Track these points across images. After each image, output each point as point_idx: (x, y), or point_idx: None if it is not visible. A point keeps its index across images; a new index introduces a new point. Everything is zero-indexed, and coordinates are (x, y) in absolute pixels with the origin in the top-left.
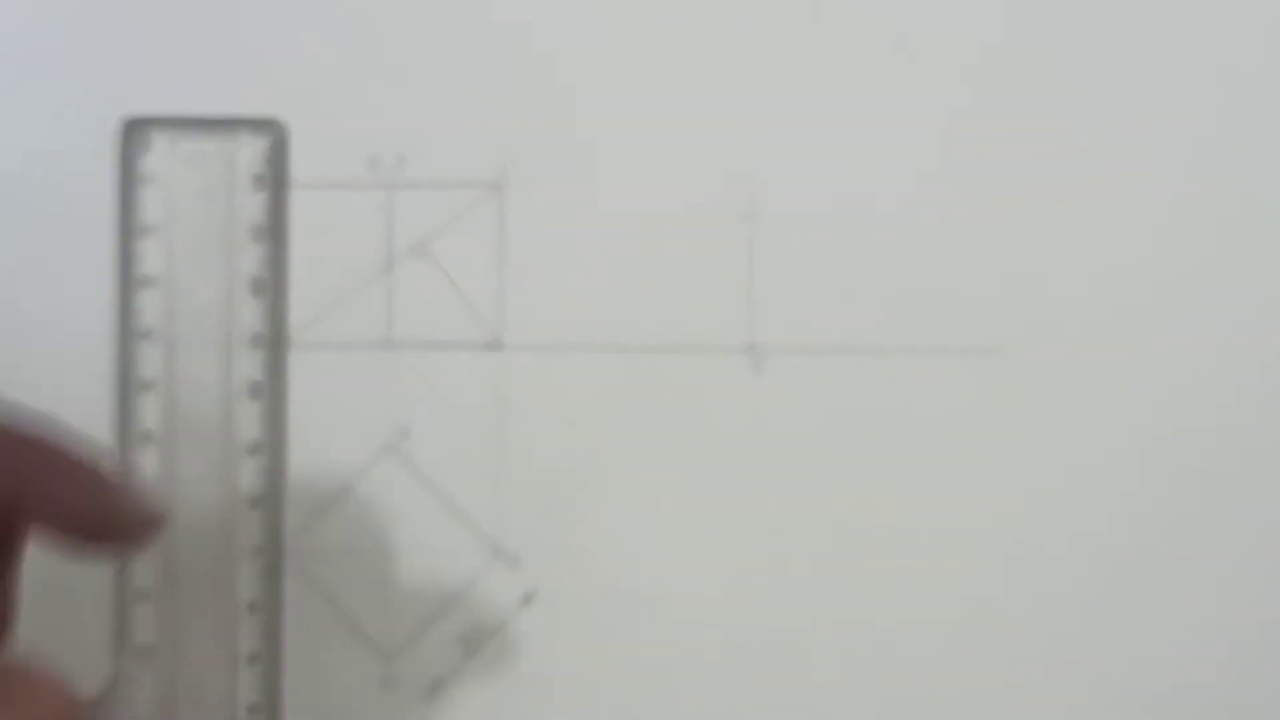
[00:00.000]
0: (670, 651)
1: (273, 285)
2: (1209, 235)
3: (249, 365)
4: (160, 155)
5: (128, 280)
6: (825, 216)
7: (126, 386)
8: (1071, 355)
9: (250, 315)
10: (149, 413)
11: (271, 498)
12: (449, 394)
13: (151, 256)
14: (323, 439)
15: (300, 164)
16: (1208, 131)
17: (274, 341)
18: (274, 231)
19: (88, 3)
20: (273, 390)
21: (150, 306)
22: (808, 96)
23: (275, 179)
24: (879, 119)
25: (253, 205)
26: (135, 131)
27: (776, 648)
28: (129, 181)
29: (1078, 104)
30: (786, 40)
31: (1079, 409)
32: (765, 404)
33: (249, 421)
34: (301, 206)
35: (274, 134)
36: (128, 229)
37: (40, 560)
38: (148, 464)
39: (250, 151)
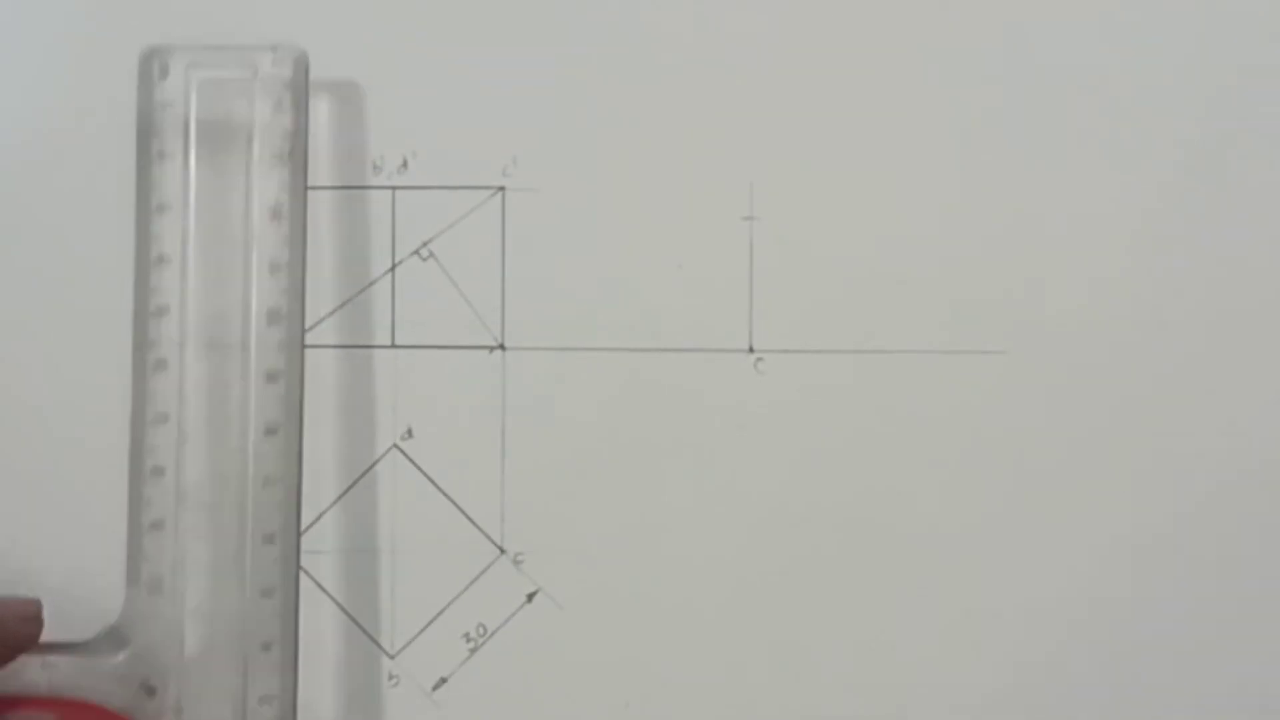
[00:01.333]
0: (671, 648)
1: (292, 211)
2: (1209, 237)
3: (269, 291)
4: (178, 81)
5: (144, 209)
6: (825, 217)
7: (141, 315)
8: (1071, 356)
9: (271, 243)
10: (165, 338)
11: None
12: (452, 394)
13: (170, 184)
14: (328, 437)
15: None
16: (1209, 135)
17: (293, 267)
18: (293, 157)
19: None
20: (289, 320)
21: (167, 232)
22: (808, 98)
23: (295, 104)
24: (879, 120)
25: (273, 132)
26: (154, 59)
27: (776, 644)
28: (146, 109)
29: (1078, 106)
30: (787, 41)
31: (1079, 409)
32: (765, 404)
33: (267, 348)
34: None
35: (294, 58)
36: (145, 158)
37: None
38: (162, 406)
39: (270, 77)
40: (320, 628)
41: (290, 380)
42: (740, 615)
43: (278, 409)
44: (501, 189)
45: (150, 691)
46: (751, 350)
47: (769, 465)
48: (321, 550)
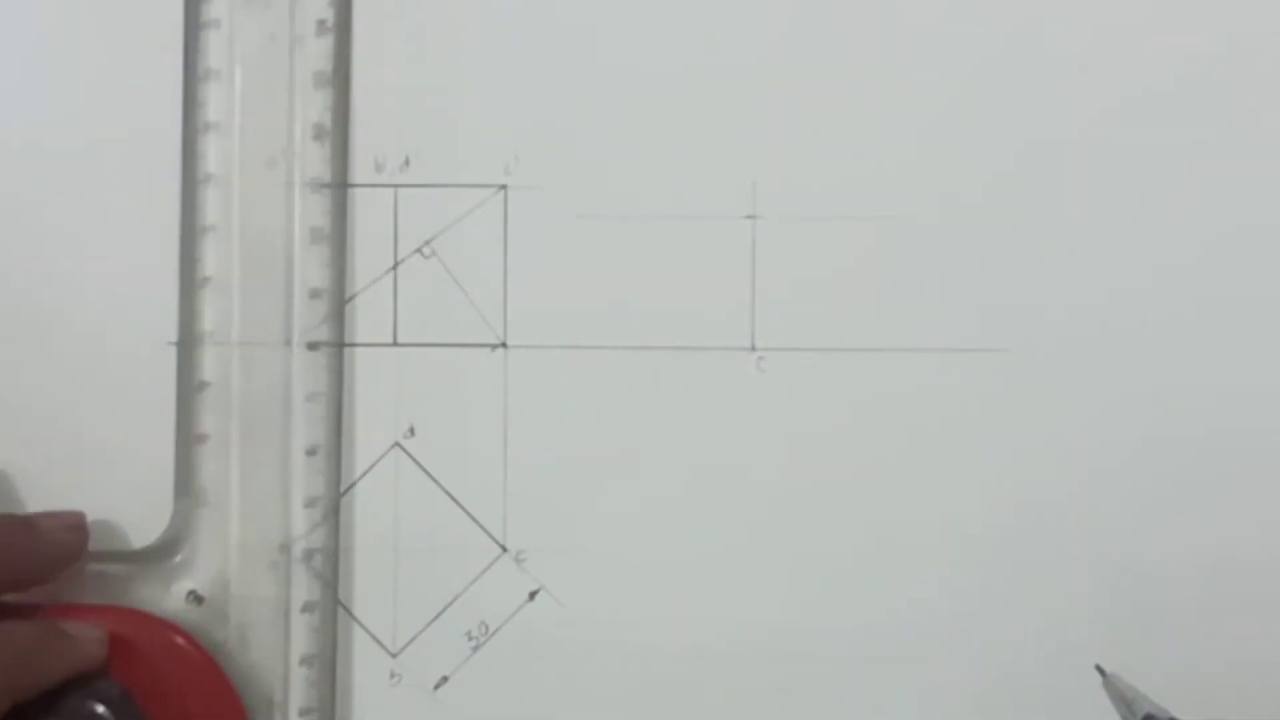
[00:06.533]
0: (673, 646)
1: (335, 130)
2: (1208, 236)
3: (312, 209)
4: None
5: (191, 126)
6: (828, 215)
7: (190, 230)
8: (1074, 354)
9: (312, 160)
10: (210, 256)
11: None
12: (454, 392)
13: (214, 101)
14: (329, 435)
15: None
16: (1208, 132)
17: (337, 184)
18: (336, 77)
19: None
20: (335, 234)
21: (212, 150)
22: (811, 97)
23: (339, 23)
24: (881, 119)
25: (316, 51)
26: None
27: (777, 643)
28: (193, 26)
29: (1081, 104)
30: (788, 41)
31: (1079, 409)
32: (767, 402)
33: (312, 265)
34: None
35: None
36: (191, 74)
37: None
38: (209, 324)
39: None
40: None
41: (333, 297)
42: (742, 614)
43: (320, 326)
44: (504, 187)
45: (198, 600)
46: (754, 349)
47: (770, 463)
48: (323, 549)
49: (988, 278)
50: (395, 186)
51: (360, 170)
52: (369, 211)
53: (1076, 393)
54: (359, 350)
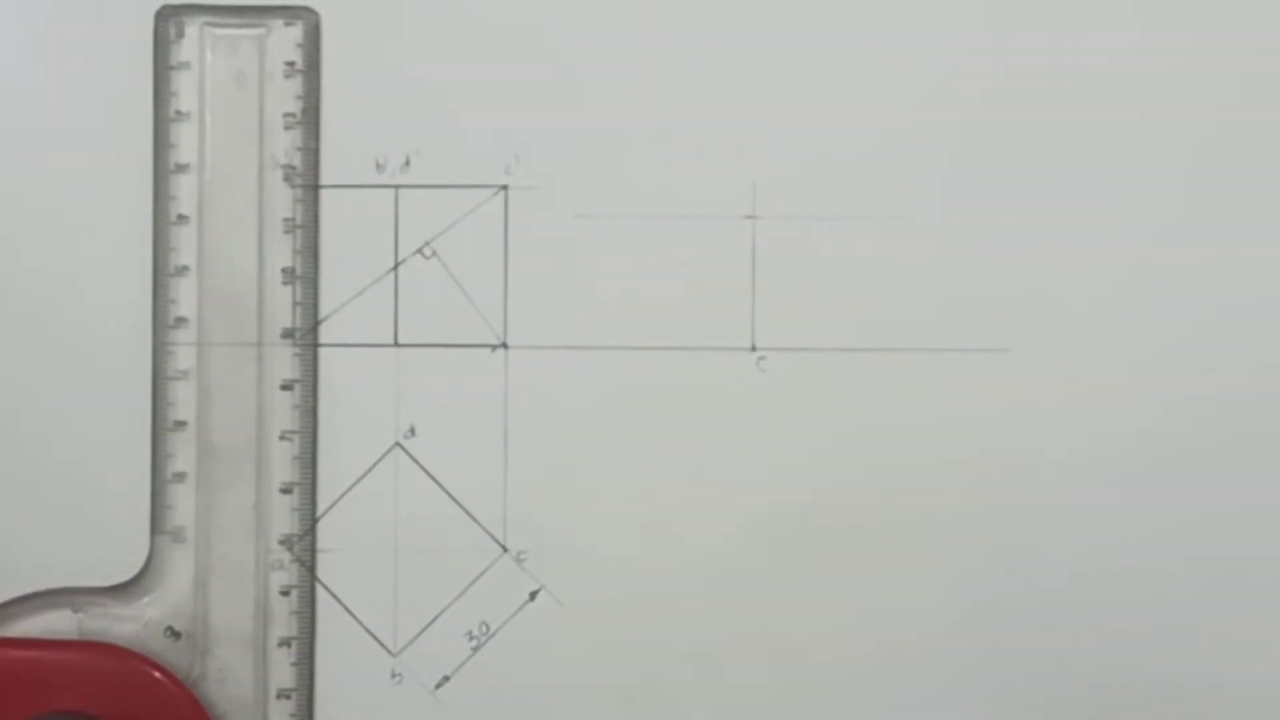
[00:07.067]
0: (674, 646)
1: (304, 173)
2: (1208, 236)
3: (281, 251)
4: (193, 42)
5: (162, 168)
6: (828, 215)
7: (162, 273)
8: (1075, 354)
9: (284, 204)
10: (184, 297)
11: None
12: (455, 392)
13: (185, 143)
14: (329, 436)
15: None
16: (1208, 133)
17: (306, 227)
18: (305, 118)
19: None
20: (306, 272)
21: (184, 193)
22: (810, 96)
23: (307, 66)
24: (881, 119)
25: (284, 92)
26: (169, 19)
27: (778, 642)
28: (163, 69)
29: (1078, 105)
30: (788, 41)
31: (1079, 409)
32: (767, 403)
33: (281, 308)
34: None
35: (306, 21)
36: (161, 116)
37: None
38: (184, 363)
39: (282, 38)
40: (323, 626)
41: (304, 336)
42: (742, 613)
43: (293, 365)
44: (504, 187)
45: (175, 635)
46: (754, 348)
47: (771, 463)
48: (324, 549)
49: (988, 278)
50: (395, 187)
51: (360, 170)
52: (369, 211)
53: (1076, 393)
54: (359, 350)
